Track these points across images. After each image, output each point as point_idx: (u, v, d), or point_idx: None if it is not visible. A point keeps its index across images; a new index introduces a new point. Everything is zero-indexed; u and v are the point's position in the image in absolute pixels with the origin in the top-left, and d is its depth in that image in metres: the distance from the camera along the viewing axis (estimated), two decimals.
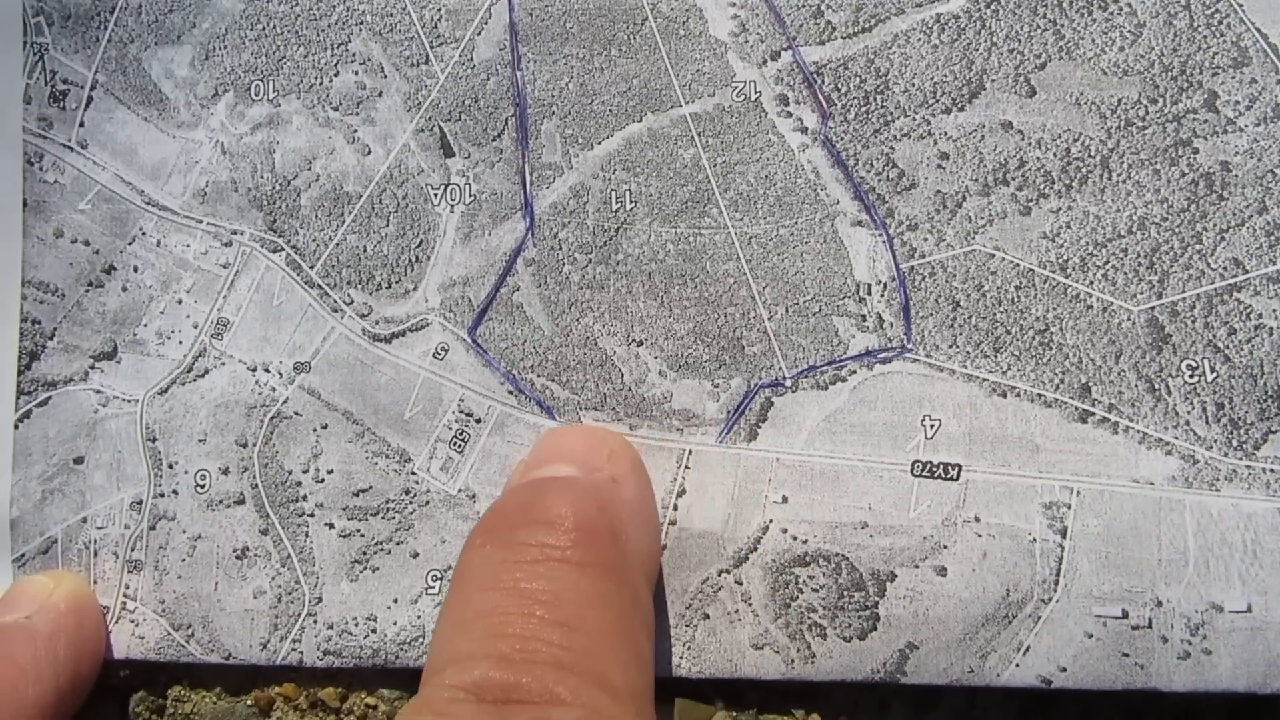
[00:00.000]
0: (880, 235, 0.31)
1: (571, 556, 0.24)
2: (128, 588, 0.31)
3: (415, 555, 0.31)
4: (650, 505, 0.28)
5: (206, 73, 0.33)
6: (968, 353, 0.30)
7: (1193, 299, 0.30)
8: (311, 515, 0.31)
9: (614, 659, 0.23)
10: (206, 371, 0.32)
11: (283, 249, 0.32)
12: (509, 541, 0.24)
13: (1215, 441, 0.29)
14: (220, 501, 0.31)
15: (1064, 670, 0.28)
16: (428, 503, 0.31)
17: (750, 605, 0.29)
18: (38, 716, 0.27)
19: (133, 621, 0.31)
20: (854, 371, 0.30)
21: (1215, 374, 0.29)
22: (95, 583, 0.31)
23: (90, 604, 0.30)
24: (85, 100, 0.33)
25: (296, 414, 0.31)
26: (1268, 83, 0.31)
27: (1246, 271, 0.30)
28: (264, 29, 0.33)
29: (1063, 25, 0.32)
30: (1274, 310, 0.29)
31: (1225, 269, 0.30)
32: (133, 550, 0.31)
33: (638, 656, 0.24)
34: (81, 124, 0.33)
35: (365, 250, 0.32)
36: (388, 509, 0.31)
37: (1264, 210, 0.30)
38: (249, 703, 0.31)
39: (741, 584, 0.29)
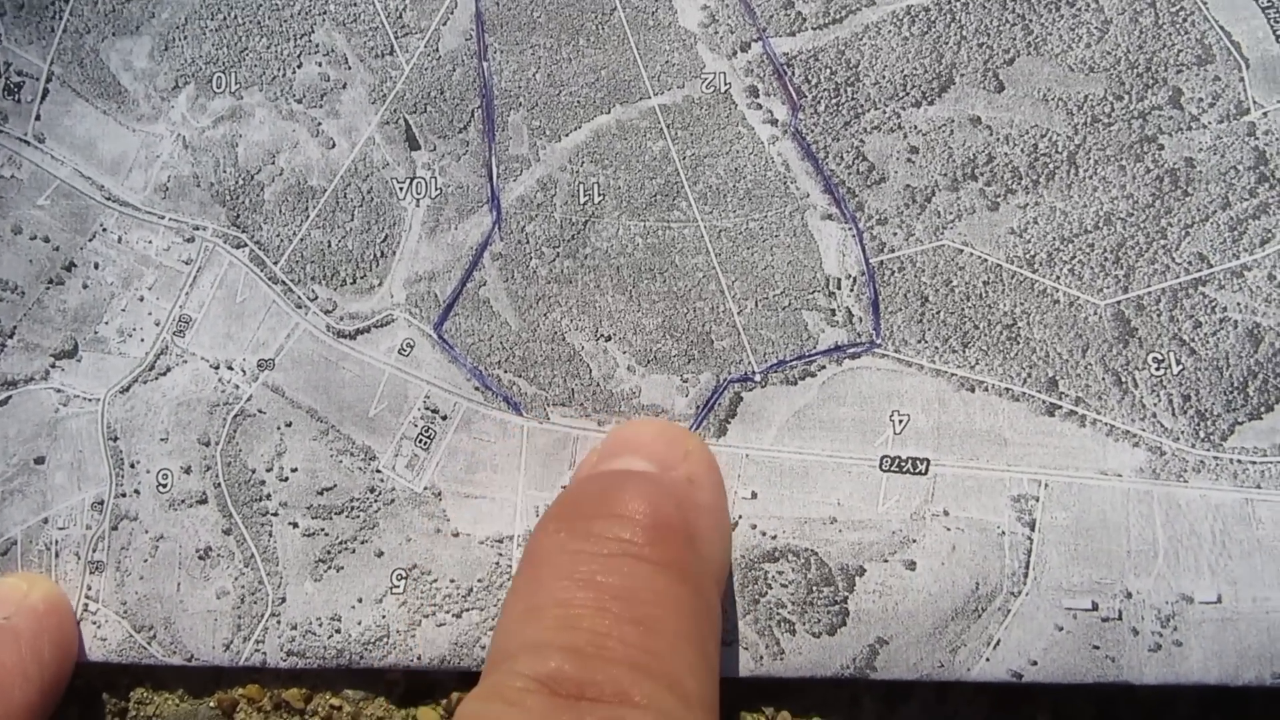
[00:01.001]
0: (850, 229, 0.31)
1: (648, 554, 0.23)
2: (89, 589, 0.31)
3: (380, 554, 0.30)
4: (724, 511, 0.28)
5: (166, 64, 0.32)
6: (936, 348, 0.30)
7: (1158, 293, 0.30)
8: (275, 514, 0.31)
9: (687, 664, 0.22)
10: (168, 370, 0.31)
11: (246, 245, 0.32)
12: (584, 532, 0.24)
13: (1182, 433, 0.29)
14: (182, 501, 0.31)
15: (1034, 664, 0.28)
16: (393, 501, 0.30)
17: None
18: (26, 718, 0.27)
19: (95, 623, 0.30)
20: (823, 367, 0.30)
21: (1181, 366, 0.29)
22: (56, 583, 0.30)
23: (65, 605, 0.30)
24: (41, 93, 0.32)
25: (260, 412, 0.31)
26: (1230, 80, 0.31)
27: (1211, 266, 0.30)
28: (225, 19, 0.33)
29: (1031, 21, 0.32)
30: (1238, 304, 0.29)
31: (1190, 263, 0.30)
32: (94, 551, 0.31)
33: (709, 664, 0.23)
34: (38, 117, 0.32)
35: (330, 245, 0.32)
36: (352, 508, 0.31)
37: (1227, 206, 0.30)
38: (212, 705, 0.31)
39: None
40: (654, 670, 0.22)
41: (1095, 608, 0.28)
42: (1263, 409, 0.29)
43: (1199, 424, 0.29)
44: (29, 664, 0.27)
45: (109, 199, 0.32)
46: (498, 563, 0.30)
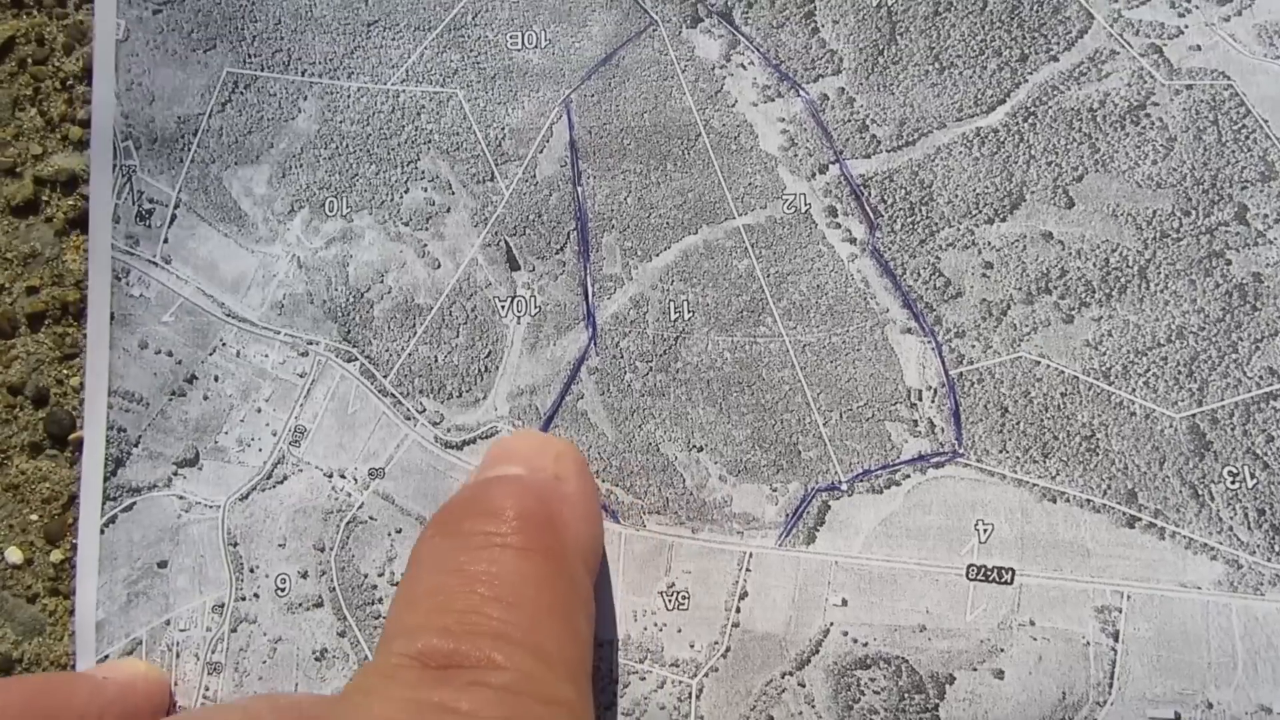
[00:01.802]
0: (929, 342, 0.33)
1: (512, 542, 0.26)
2: (207, 689, 0.32)
3: None
4: (592, 500, 0.30)
5: (283, 190, 0.35)
6: (1017, 458, 0.31)
7: (1231, 407, 0.31)
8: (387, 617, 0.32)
9: (550, 633, 0.25)
10: (285, 478, 0.33)
11: (357, 358, 0.34)
12: (455, 531, 0.27)
13: (1258, 546, 0.30)
14: (300, 605, 0.32)
15: None
16: None
17: (814, 708, 0.30)
18: None
19: None
20: (908, 475, 0.32)
21: (1255, 480, 0.30)
22: (175, 684, 0.32)
23: (161, 701, 0.32)
24: (169, 218, 0.35)
25: (371, 519, 0.33)
26: None
27: None
28: (337, 148, 0.35)
29: (1098, 139, 0.34)
30: None
31: (1261, 378, 0.31)
32: (213, 653, 0.32)
33: (574, 633, 0.26)
34: (166, 240, 0.34)
35: (436, 360, 0.33)
36: None
37: None
38: None
39: (804, 686, 0.31)
40: (516, 638, 0.24)
41: (1178, 718, 0.29)
42: None
43: (1274, 538, 0.30)
44: (90, 714, 0.28)
45: (229, 315, 0.34)
46: (598, 666, 0.31)
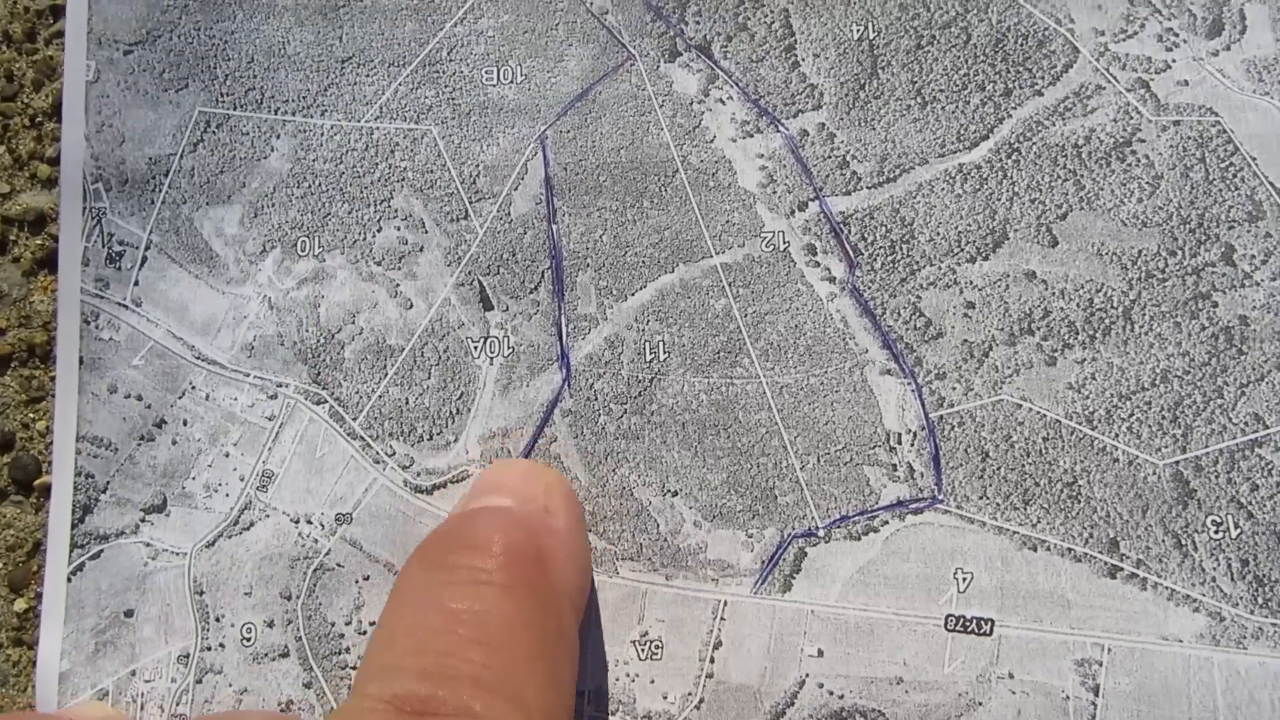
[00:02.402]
0: (909, 384, 0.32)
1: (498, 579, 0.25)
2: None
3: None
4: (581, 539, 0.29)
5: (255, 230, 0.34)
6: (998, 504, 0.31)
7: (1215, 454, 0.30)
8: (354, 668, 0.32)
9: (531, 679, 0.24)
10: (252, 524, 0.33)
11: (326, 400, 0.33)
12: (439, 564, 0.26)
13: (1241, 599, 0.29)
14: (266, 655, 0.32)
15: None
16: None
17: None
18: None
19: None
20: (886, 522, 0.31)
21: (1239, 530, 0.29)
22: None
23: None
24: (140, 260, 0.34)
25: (339, 565, 0.32)
26: None
27: (1267, 427, 0.30)
28: (310, 187, 0.35)
29: (1082, 176, 0.33)
30: None
31: (1246, 424, 0.30)
32: (178, 704, 0.32)
33: (556, 679, 0.25)
34: (136, 283, 0.34)
35: (407, 402, 0.33)
36: None
37: None
38: None
39: None
40: (495, 685, 0.23)
41: None
42: None
43: (1257, 589, 0.29)
44: None
45: (199, 358, 0.34)
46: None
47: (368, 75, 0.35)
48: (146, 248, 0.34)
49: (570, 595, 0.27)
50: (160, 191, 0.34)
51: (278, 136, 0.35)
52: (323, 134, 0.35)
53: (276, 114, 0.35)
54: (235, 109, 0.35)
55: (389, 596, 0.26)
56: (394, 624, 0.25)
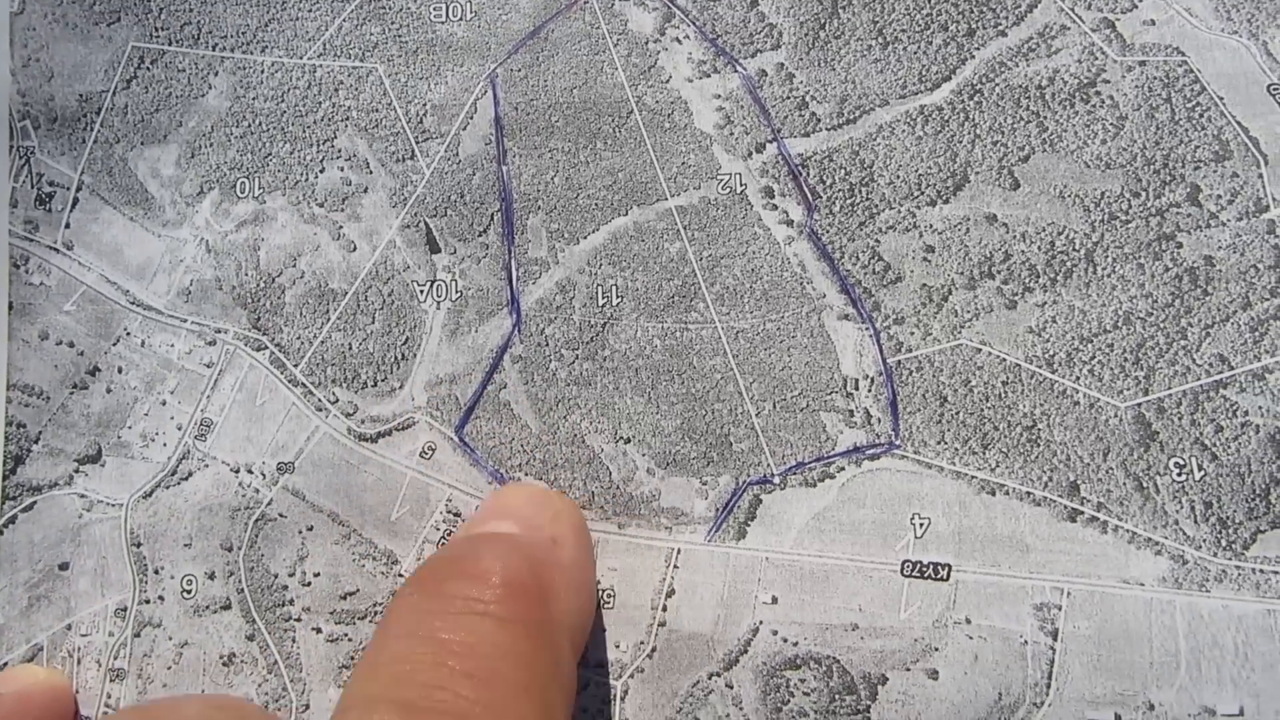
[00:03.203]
0: (867, 329, 0.31)
1: (494, 611, 0.24)
2: (109, 697, 0.31)
3: None
4: (588, 571, 0.28)
5: (192, 171, 0.33)
6: (956, 449, 0.30)
7: (1179, 395, 0.30)
8: (298, 620, 0.31)
9: (520, 716, 0.22)
10: (190, 474, 0.31)
11: (267, 347, 0.32)
12: (435, 592, 0.24)
13: (1204, 541, 0.28)
14: (206, 607, 0.31)
15: None
16: None
17: (741, 709, 0.29)
18: None
19: None
20: (842, 468, 0.30)
21: (1203, 472, 0.29)
22: (77, 691, 0.31)
23: (63, 708, 0.30)
24: (71, 201, 0.33)
25: (281, 515, 0.31)
26: (1249, 177, 0.31)
27: (1232, 368, 0.30)
28: (249, 126, 0.33)
29: (1045, 117, 0.32)
30: (1260, 407, 0.29)
31: (1211, 365, 0.30)
32: (115, 659, 0.31)
33: (549, 715, 0.23)
34: (67, 225, 0.33)
35: (350, 348, 0.32)
36: (376, 612, 0.31)
37: (1248, 306, 0.30)
38: None
39: (732, 687, 0.29)
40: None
41: (1118, 719, 0.28)
42: None
43: (1221, 532, 0.28)
44: None
45: (133, 303, 0.32)
46: None
47: (310, 10, 0.34)
48: (78, 189, 0.33)
49: (570, 631, 0.26)
50: (92, 130, 0.33)
51: (215, 74, 0.34)
52: (263, 71, 0.34)
53: (214, 50, 0.34)
54: (170, 44, 0.34)
55: (379, 623, 0.25)
56: (380, 652, 0.24)
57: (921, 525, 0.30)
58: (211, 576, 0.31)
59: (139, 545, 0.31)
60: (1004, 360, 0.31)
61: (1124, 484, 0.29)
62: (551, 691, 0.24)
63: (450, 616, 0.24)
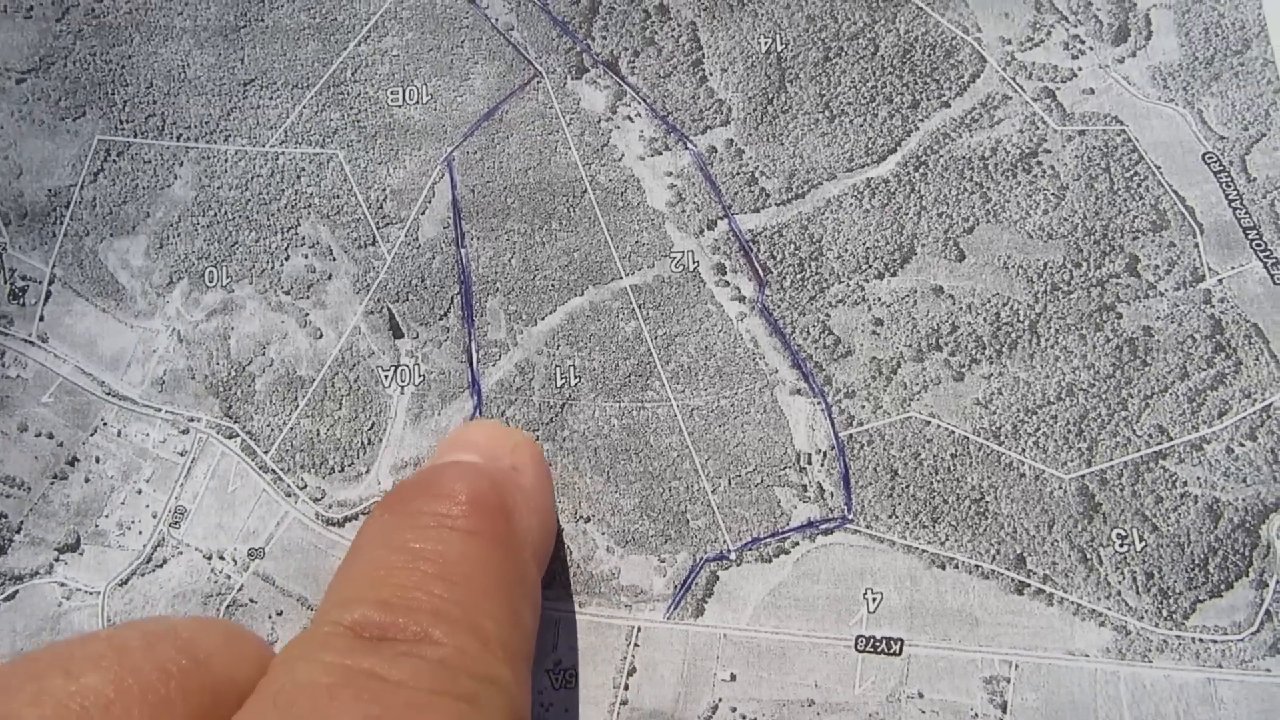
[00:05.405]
0: (819, 403, 0.32)
1: (461, 525, 0.25)
2: None
3: None
4: (547, 496, 0.29)
5: (161, 261, 0.34)
6: (907, 523, 0.31)
7: (1120, 467, 0.30)
8: None
9: (491, 614, 0.24)
10: (165, 561, 0.32)
11: (238, 434, 0.33)
12: (404, 510, 0.26)
13: (1146, 612, 0.29)
14: None
15: None
16: None
17: None
18: None
19: None
20: (797, 544, 0.31)
21: (1144, 543, 0.30)
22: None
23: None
24: (44, 295, 0.34)
25: (251, 601, 0.32)
26: (1185, 246, 0.32)
27: (1170, 439, 0.30)
28: (215, 215, 0.34)
29: (989, 188, 0.33)
30: (1198, 478, 0.30)
31: (1150, 436, 0.30)
32: None
33: (516, 618, 0.25)
34: (41, 318, 0.34)
35: (319, 434, 0.33)
36: None
37: (1185, 376, 0.31)
38: None
39: None
40: (455, 616, 0.23)
41: None
42: (1222, 586, 0.29)
43: (1162, 602, 0.29)
44: None
45: (109, 394, 0.33)
46: None
47: (271, 98, 0.35)
48: (50, 282, 0.34)
49: (533, 547, 0.27)
50: (62, 224, 0.34)
51: (181, 164, 0.34)
52: (227, 160, 0.35)
53: (179, 140, 0.35)
54: (136, 136, 0.35)
55: (352, 542, 0.26)
56: (354, 563, 0.25)
57: (874, 600, 0.30)
58: None
59: None
60: (952, 433, 0.31)
61: (1069, 555, 0.30)
62: (518, 597, 0.25)
63: (420, 529, 0.25)
